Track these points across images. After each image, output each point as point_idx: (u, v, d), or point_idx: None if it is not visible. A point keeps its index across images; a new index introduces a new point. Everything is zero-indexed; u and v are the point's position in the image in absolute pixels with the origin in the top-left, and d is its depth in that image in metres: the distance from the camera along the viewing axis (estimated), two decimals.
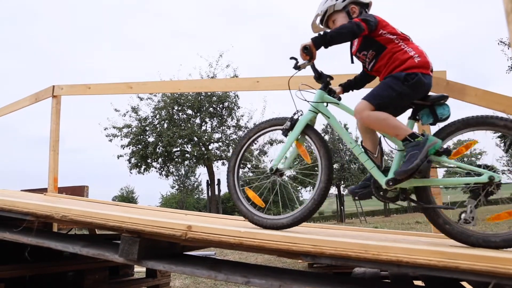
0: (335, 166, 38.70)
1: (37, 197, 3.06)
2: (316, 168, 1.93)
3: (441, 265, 1.14)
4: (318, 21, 2.25)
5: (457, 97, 2.80)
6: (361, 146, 1.99)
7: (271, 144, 24.57)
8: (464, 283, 1.85)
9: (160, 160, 23.57)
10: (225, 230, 1.47)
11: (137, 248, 1.60)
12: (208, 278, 1.52)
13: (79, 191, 6.24)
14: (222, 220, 3.14)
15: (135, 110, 22.75)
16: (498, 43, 21.45)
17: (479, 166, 1.76)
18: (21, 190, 6.32)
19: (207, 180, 25.26)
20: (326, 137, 39.13)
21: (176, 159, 24.19)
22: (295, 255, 1.37)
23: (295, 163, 2.07)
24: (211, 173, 24.61)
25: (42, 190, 4.54)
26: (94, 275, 2.61)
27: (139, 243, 1.61)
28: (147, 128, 22.74)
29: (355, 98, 2.11)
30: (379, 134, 2.00)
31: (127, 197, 65.95)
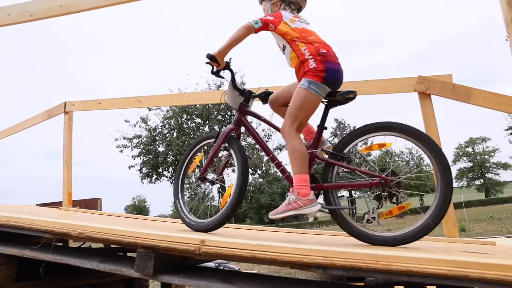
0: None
1: (54, 213, 3.12)
2: None
3: (451, 274, 1.16)
4: None
5: (463, 100, 2.81)
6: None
7: (280, 150, 24.61)
8: None
9: (170, 169, 23.76)
10: (238, 244, 1.50)
11: (152, 263, 1.64)
12: None
13: (93, 204, 6.35)
14: (235, 230, 3.17)
15: (144, 120, 23.01)
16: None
17: None
18: (37, 205, 6.47)
19: (218, 188, 25.33)
20: (336, 140, 38.93)
21: None
22: (307, 266, 1.40)
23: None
24: (221, 181, 24.70)
25: (57, 204, 4.65)
26: None
27: (154, 258, 1.65)
28: (157, 138, 22.99)
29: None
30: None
31: (139, 206, 66.53)
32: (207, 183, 2.44)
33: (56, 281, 2.44)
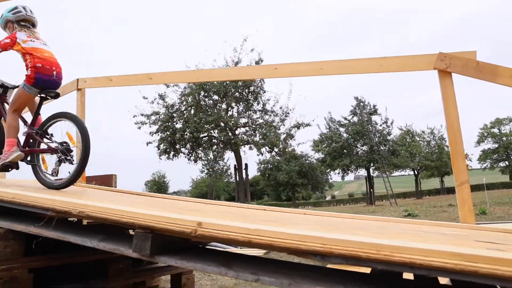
0: (364, 148, 38.00)
1: (66, 189, 3.14)
2: None
3: (458, 268, 1.06)
4: None
5: (488, 79, 2.61)
6: None
7: (298, 128, 24.40)
8: None
9: (188, 145, 23.98)
10: (235, 228, 1.45)
11: (149, 244, 1.61)
12: (219, 275, 1.51)
13: (108, 180, 6.44)
14: (242, 210, 3.13)
15: (162, 97, 23.10)
16: None
17: None
18: None
19: (235, 165, 25.50)
20: (355, 119, 38.38)
21: (204, 145, 24.52)
22: (304, 253, 1.33)
23: None
24: (238, 158, 24.80)
25: None
26: (118, 264, 2.69)
27: (151, 239, 1.62)
28: (175, 115, 23.10)
29: None
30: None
31: (159, 182, 68.14)
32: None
33: (65, 256, 2.47)
